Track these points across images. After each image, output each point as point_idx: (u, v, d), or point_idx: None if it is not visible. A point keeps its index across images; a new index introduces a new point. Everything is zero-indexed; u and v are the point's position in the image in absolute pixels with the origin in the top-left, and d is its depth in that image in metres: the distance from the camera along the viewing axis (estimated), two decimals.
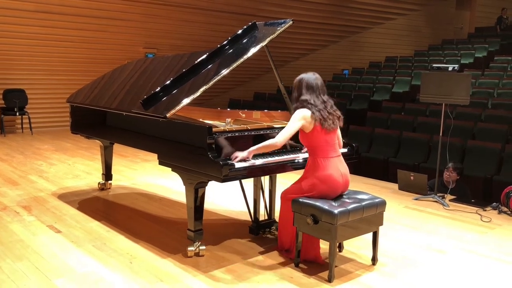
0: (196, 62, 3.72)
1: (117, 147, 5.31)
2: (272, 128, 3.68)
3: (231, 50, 3.78)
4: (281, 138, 3.21)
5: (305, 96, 3.26)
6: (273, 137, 3.33)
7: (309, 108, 3.22)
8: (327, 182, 3.23)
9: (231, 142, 3.37)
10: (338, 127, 3.38)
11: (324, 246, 3.45)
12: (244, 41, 3.83)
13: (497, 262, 3.62)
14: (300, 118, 3.20)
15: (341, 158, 3.37)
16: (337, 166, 3.28)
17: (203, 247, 3.53)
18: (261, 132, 3.58)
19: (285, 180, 4.35)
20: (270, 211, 4.05)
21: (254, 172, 3.35)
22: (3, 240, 3.75)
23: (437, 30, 16.81)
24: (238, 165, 3.20)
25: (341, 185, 3.29)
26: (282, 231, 3.55)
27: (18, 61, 9.44)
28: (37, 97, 9.73)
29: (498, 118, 7.48)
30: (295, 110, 3.28)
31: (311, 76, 3.33)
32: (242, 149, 3.37)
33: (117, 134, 4.44)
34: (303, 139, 3.30)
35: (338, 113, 3.36)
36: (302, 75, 3.35)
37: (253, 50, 3.58)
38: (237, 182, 3.70)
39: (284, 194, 3.44)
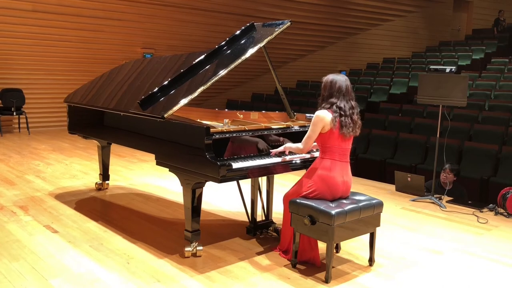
0: (194, 62, 3.72)
1: (115, 147, 5.30)
2: (270, 129, 3.68)
3: (229, 51, 3.78)
4: (306, 145, 3.30)
5: (334, 99, 3.24)
6: (273, 137, 3.43)
7: (333, 111, 3.20)
8: (327, 183, 3.23)
9: (229, 143, 3.37)
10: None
11: (321, 247, 3.45)
12: (242, 41, 3.83)
13: (494, 263, 3.63)
14: (319, 122, 3.19)
15: (348, 165, 3.36)
16: (341, 172, 3.27)
17: (200, 248, 3.53)
18: (259, 133, 3.59)
19: (283, 181, 4.35)
20: (267, 212, 4.05)
21: (251, 173, 3.35)
22: None
23: (435, 32, 16.85)
24: (235, 165, 3.20)
25: (341, 190, 3.29)
26: (285, 232, 3.55)
27: (16, 61, 9.42)
28: (34, 97, 9.71)
29: (495, 119, 7.51)
30: (320, 109, 3.26)
31: (341, 78, 3.29)
32: (240, 150, 3.39)
33: (114, 134, 4.43)
34: (318, 137, 3.29)
35: (360, 122, 3.33)
36: (334, 76, 3.30)
37: (251, 51, 3.58)
38: (235, 182, 3.70)
39: (286, 197, 3.45)
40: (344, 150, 3.29)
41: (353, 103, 3.29)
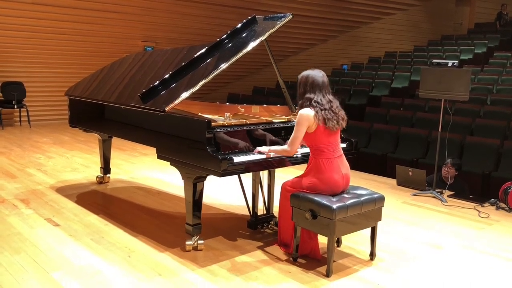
0: (195, 56, 3.70)
1: (116, 141, 5.30)
2: (271, 123, 3.67)
3: (230, 44, 3.76)
4: (293, 147, 3.24)
5: (311, 95, 3.22)
6: (273, 134, 3.41)
7: (313, 107, 3.18)
8: (328, 184, 3.22)
9: (230, 136, 3.36)
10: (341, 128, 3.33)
11: (322, 241, 3.45)
12: (244, 35, 3.81)
13: (494, 258, 3.62)
14: (304, 121, 3.17)
15: (343, 157, 3.34)
16: (339, 167, 3.25)
17: (201, 241, 3.53)
18: (260, 127, 3.57)
19: (284, 175, 4.34)
20: (268, 206, 4.05)
21: (252, 167, 3.35)
22: (1, 233, 3.74)
23: (437, 26, 16.79)
24: (237, 159, 3.19)
25: (342, 185, 3.29)
26: (282, 222, 3.53)
27: (16, 54, 9.40)
28: (35, 90, 9.70)
29: (497, 114, 7.49)
30: (300, 107, 3.24)
31: (317, 74, 3.27)
32: (241, 144, 3.38)
33: (115, 128, 4.43)
34: (306, 138, 3.26)
35: (343, 113, 3.30)
36: (309, 72, 3.30)
37: (252, 44, 3.56)
38: (236, 176, 3.69)
39: (284, 186, 3.42)
40: (334, 145, 3.26)
41: (330, 96, 3.26)
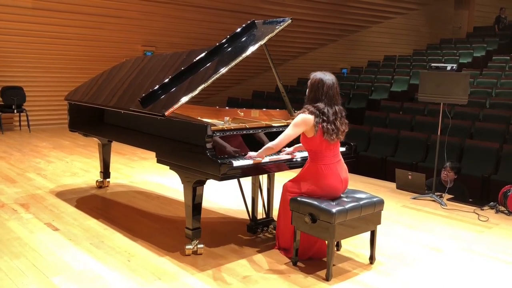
0: (194, 60, 3.71)
1: (115, 145, 5.30)
2: (271, 127, 3.68)
3: (229, 48, 3.77)
4: (279, 143, 3.20)
5: (321, 104, 3.17)
6: (273, 138, 3.37)
7: (316, 116, 3.14)
8: (328, 190, 3.23)
9: (230, 140, 3.37)
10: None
11: None
12: (243, 39, 3.82)
13: (494, 261, 3.62)
14: (301, 124, 3.14)
15: (342, 161, 3.34)
16: (338, 173, 3.25)
17: (201, 246, 3.53)
18: (260, 131, 3.58)
19: (284, 179, 4.34)
20: (268, 210, 4.05)
21: (252, 171, 3.35)
22: (0, 238, 3.74)
23: (436, 30, 16.82)
24: (236, 163, 3.20)
25: (341, 189, 3.30)
26: (281, 226, 3.52)
27: (16, 58, 9.41)
28: (35, 95, 9.71)
29: (496, 117, 7.50)
30: (304, 110, 3.19)
31: (330, 82, 3.19)
32: (240, 148, 3.39)
33: (115, 132, 4.43)
34: (305, 142, 3.25)
35: (344, 127, 3.26)
36: (322, 76, 3.20)
37: (252, 49, 3.57)
38: (235, 180, 3.69)
39: (285, 187, 3.42)
40: (333, 151, 3.25)
41: (337, 108, 3.21)
